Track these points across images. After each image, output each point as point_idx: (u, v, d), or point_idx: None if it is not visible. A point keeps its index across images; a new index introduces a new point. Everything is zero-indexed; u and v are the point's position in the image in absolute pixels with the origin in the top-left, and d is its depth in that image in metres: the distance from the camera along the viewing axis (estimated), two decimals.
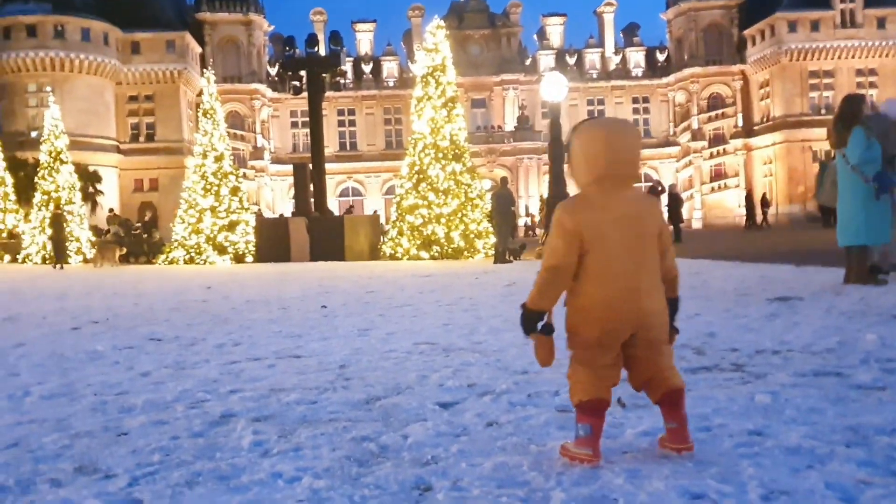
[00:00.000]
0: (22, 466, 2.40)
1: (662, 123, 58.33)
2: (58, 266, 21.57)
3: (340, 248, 20.26)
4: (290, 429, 2.74)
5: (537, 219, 43.21)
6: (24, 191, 27.32)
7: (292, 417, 2.92)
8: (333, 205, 46.34)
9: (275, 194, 54.28)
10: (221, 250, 21.53)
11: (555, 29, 59.39)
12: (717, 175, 56.44)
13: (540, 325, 2.19)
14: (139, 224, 32.63)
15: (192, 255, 21.55)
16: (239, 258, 21.47)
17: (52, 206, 24.56)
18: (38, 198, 25.30)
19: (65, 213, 23.84)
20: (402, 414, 2.91)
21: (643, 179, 47.59)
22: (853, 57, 51.79)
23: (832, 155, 7.79)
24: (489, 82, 56.56)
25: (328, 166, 28.57)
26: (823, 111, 49.29)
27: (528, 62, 57.64)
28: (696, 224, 52.80)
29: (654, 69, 58.37)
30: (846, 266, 7.38)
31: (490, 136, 55.59)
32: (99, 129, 44.89)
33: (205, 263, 21.22)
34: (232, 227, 21.73)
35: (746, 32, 54.45)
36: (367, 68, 56.80)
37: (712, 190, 56.06)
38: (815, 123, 47.03)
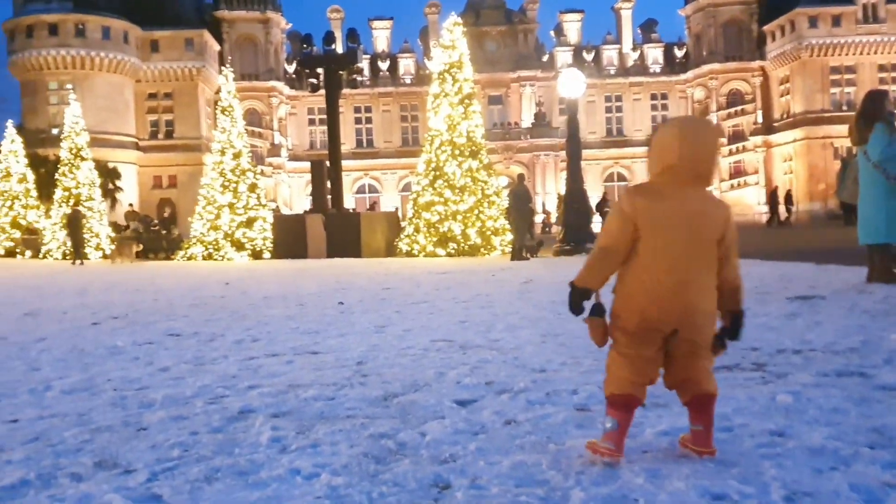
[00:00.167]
0: (43, 460, 2.42)
1: None
2: (77, 262, 21.80)
3: (357, 245, 20.27)
4: (308, 425, 2.74)
5: (553, 217, 43.02)
6: (46, 187, 27.64)
7: (310, 414, 2.93)
8: (350, 201, 46.50)
9: (292, 191, 54.49)
10: (239, 246, 21.67)
11: (572, 25, 59.07)
12: (737, 172, 55.96)
13: (589, 305, 2.18)
14: (158, 221, 32.89)
15: (211, 251, 21.71)
16: (256, 254, 21.60)
17: (72, 203, 24.83)
18: (58, 194, 25.60)
19: (82, 211, 24.07)
20: (419, 411, 2.91)
21: None
22: (875, 52, 51.10)
23: (854, 152, 7.68)
24: (506, 79, 56.40)
25: (345, 163, 28.68)
26: (845, 107, 48.69)
27: (545, 59, 57.38)
28: None
29: (672, 66, 57.92)
30: (868, 265, 7.29)
31: (507, 132, 55.43)
32: (118, 126, 45.29)
33: (223, 259, 21.36)
34: (250, 223, 21.88)
35: (766, 28, 53.90)
36: (383, 65, 56.84)
37: (731, 187, 55.55)
38: (837, 120, 46.48)
